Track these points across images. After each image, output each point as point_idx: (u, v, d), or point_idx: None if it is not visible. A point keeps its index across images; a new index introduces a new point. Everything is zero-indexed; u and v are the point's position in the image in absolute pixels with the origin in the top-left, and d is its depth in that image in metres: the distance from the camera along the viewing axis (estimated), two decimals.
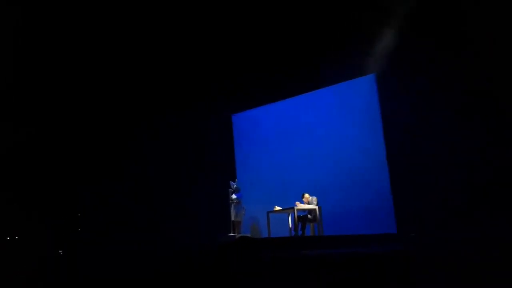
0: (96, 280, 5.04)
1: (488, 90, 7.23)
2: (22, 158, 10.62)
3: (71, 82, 9.97)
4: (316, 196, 9.10)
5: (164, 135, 11.18)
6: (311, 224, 8.98)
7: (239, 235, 9.73)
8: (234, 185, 10.34)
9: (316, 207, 8.85)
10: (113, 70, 9.95)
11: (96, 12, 8.54)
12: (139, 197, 10.83)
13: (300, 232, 8.78)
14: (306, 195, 9.06)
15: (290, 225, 9.15)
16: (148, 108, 10.76)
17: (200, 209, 10.99)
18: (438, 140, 7.97)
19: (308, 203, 8.98)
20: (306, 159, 10.32)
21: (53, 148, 10.71)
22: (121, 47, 9.44)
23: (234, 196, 10.17)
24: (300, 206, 8.84)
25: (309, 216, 8.89)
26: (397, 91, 8.74)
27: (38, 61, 9.46)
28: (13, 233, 10.51)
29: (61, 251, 9.60)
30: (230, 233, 9.94)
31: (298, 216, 8.84)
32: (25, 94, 10.00)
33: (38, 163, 10.67)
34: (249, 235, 10.15)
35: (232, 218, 10.04)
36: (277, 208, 9.22)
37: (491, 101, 7.25)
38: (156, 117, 10.92)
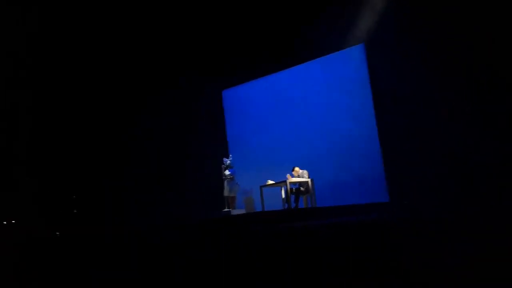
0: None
1: (481, 55, 7.17)
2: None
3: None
4: (308, 168, 9.11)
5: (154, 113, 11.10)
6: (304, 196, 9.03)
7: (234, 210, 9.79)
8: (227, 161, 10.33)
9: (308, 179, 8.88)
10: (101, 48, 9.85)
11: None
12: (133, 175, 10.83)
13: (293, 205, 8.82)
14: (296, 169, 9.08)
15: (283, 197, 9.19)
16: (137, 86, 10.66)
17: (193, 186, 11.03)
18: (429, 107, 7.96)
19: (299, 176, 9.00)
20: (298, 132, 10.32)
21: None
22: (115, 28, 9.36)
23: (227, 172, 10.17)
24: (291, 179, 8.86)
25: (301, 188, 8.93)
26: (386, 59, 8.71)
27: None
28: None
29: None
30: (224, 208, 9.98)
31: (291, 189, 8.87)
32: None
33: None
34: (243, 210, 10.21)
35: (226, 194, 10.05)
36: (270, 182, 9.24)
37: (484, 66, 7.19)
38: (146, 95, 10.83)
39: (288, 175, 8.89)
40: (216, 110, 11.95)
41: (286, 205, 8.90)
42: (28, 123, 10.24)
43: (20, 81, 9.81)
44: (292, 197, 8.88)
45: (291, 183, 8.84)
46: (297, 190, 8.95)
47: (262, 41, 9.87)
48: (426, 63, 7.90)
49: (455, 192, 7.33)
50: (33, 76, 9.87)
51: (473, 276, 2.62)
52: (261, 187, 9.35)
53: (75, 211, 11.06)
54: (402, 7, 8.17)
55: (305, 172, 9.02)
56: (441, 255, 3.14)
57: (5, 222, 10.56)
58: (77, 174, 10.85)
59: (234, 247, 4.26)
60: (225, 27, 9.66)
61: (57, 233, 9.66)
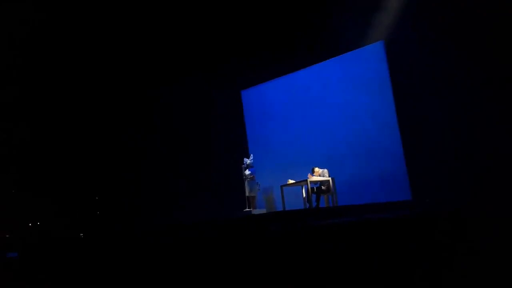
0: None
1: (505, 50, 7.02)
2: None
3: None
4: (328, 167, 9.07)
5: (174, 115, 11.20)
6: (325, 195, 8.98)
7: (254, 210, 9.81)
8: (247, 161, 10.36)
9: (329, 178, 8.83)
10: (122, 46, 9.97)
11: None
12: (155, 174, 10.95)
13: (314, 204, 8.79)
14: (316, 169, 9.03)
15: (304, 197, 9.17)
16: (156, 87, 10.77)
17: (214, 186, 11.09)
18: (451, 103, 7.83)
19: (319, 176, 8.96)
20: (317, 130, 10.27)
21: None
22: (134, 24, 9.45)
23: (248, 172, 10.20)
24: (312, 178, 8.82)
25: (322, 187, 8.89)
26: (406, 57, 8.60)
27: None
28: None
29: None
30: (245, 208, 10.01)
31: (312, 188, 8.84)
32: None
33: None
34: (264, 209, 10.22)
35: (247, 194, 10.09)
36: (291, 181, 9.22)
37: (507, 63, 7.04)
38: (165, 97, 10.93)
39: (309, 175, 8.87)
40: (236, 110, 11.98)
41: (307, 205, 8.88)
42: (49, 126, 10.44)
43: (45, 81, 9.99)
44: (313, 196, 8.84)
45: (311, 182, 8.81)
46: (318, 189, 8.91)
47: (280, 40, 9.84)
48: (448, 59, 7.78)
49: (480, 190, 7.19)
50: (58, 76, 10.03)
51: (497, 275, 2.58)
52: (281, 186, 9.34)
53: (98, 212, 11.24)
54: (422, 3, 8.05)
55: (326, 171, 8.97)
56: (464, 255, 3.10)
57: (30, 224, 10.81)
58: (100, 176, 11.00)
59: (254, 246, 4.27)
60: (244, 27, 9.67)
61: (81, 234, 9.84)
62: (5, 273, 4.93)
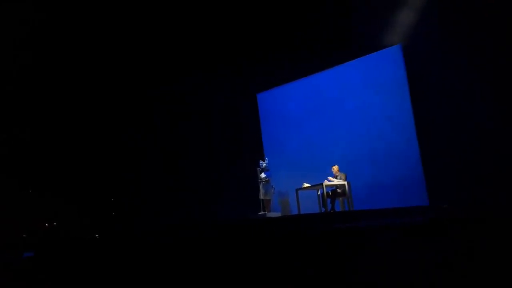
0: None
1: None
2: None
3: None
4: (344, 171, 9.02)
5: (190, 117, 11.25)
6: (340, 199, 8.92)
7: (269, 213, 9.78)
8: (263, 164, 10.34)
9: (345, 182, 8.77)
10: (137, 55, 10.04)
11: None
12: (172, 176, 11.03)
13: (329, 207, 8.74)
14: (335, 167, 9.01)
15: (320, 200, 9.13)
16: (173, 89, 10.83)
17: (230, 188, 11.10)
18: (469, 108, 7.72)
19: (335, 175, 8.92)
20: (334, 134, 10.21)
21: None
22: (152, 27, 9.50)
23: (263, 175, 10.19)
24: (327, 182, 8.78)
25: (338, 190, 8.83)
26: (423, 60, 8.53)
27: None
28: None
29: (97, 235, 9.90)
30: (260, 211, 10.00)
31: (327, 193, 8.79)
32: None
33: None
34: (279, 213, 10.19)
35: (262, 197, 10.07)
36: (306, 185, 9.19)
37: None
38: (182, 98, 10.99)
39: (329, 178, 8.85)
40: (252, 113, 11.98)
41: (323, 209, 8.83)
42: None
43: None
44: (329, 200, 8.79)
45: (327, 186, 8.77)
46: (333, 192, 8.86)
47: (296, 43, 9.82)
48: (465, 63, 7.68)
49: (498, 196, 7.06)
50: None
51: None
52: (297, 190, 9.31)
53: (113, 213, 11.33)
54: (439, 8, 7.97)
55: (343, 174, 8.91)
56: (479, 261, 3.04)
57: (47, 224, 10.94)
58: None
59: (268, 249, 4.25)
60: (261, 31, 9.66)
61: (96, 235, 9.91)
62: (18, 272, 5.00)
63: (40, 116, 10.42)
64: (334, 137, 10.19)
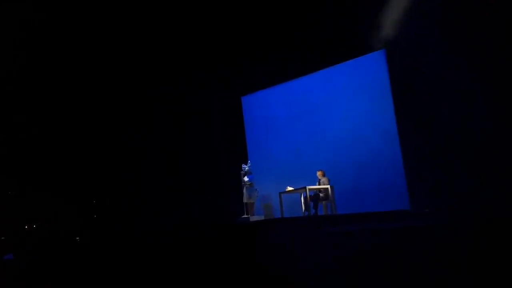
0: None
1: (505, 59, 6.97)
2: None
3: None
4: (327, 175, 9.06)
5: (175, 120, 11.20)
6: (323, 202, 8.96)
7: (252, 216, 9.75)
8: (246, 167, 10.30)
9: (328, 186, 8.81)
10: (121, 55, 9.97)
11: None
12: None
13: (312, 211, 8.76)
14: (319, 172, 9.05)
15: (303, 205, 9.14)
16: (157, 93, 10.77)
17: (212, 192, 11.06)
18: (452, 113, 7.79)
19: (318, 179, 8.96)
20: (317, 138, 10.26)
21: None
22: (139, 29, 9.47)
23: (246, 179, 10.15)
24: (310, 186, 8.81)
25: (320, 194, 8.86)
26: (407, 65, 8.61)
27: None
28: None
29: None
30: (243, 215, 9.96)
31: (310, 196, 8.82)
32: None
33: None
34: (262, 216, 10.17)
35: (245, 200, 10.03)
36: (289, 188, 9.20)
37: (509, 70, 6.97)
38: (166, 102, 10.94)
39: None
40: (236, 116, 11.97)
41: (306, 212, 8.85)
42: (49, 126, 10.43)
43: (45, 81, 9.98)
44: (311, 204, 8.82)
45: (310, 189, 8.79)
46: (316, 195, 8.89)
47: (281, 47, 9.85)
48: (448, 69, 7.76)
49: (480, 201, 7.15)
50: (58, 77, 10.02)
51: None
52: (280, 193, 9.31)
53: (97, 212, 11.22)
54: (423, 13, 8.06)
55: (326, 179, 8.95)
56: (463, 264, 3.08)
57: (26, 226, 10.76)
58: (99, 176, 10.99)
59: (251, 253, 4.24)
60: (245, 34, 9.67)
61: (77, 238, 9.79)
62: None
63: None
64: (318, 141, 10.23)
